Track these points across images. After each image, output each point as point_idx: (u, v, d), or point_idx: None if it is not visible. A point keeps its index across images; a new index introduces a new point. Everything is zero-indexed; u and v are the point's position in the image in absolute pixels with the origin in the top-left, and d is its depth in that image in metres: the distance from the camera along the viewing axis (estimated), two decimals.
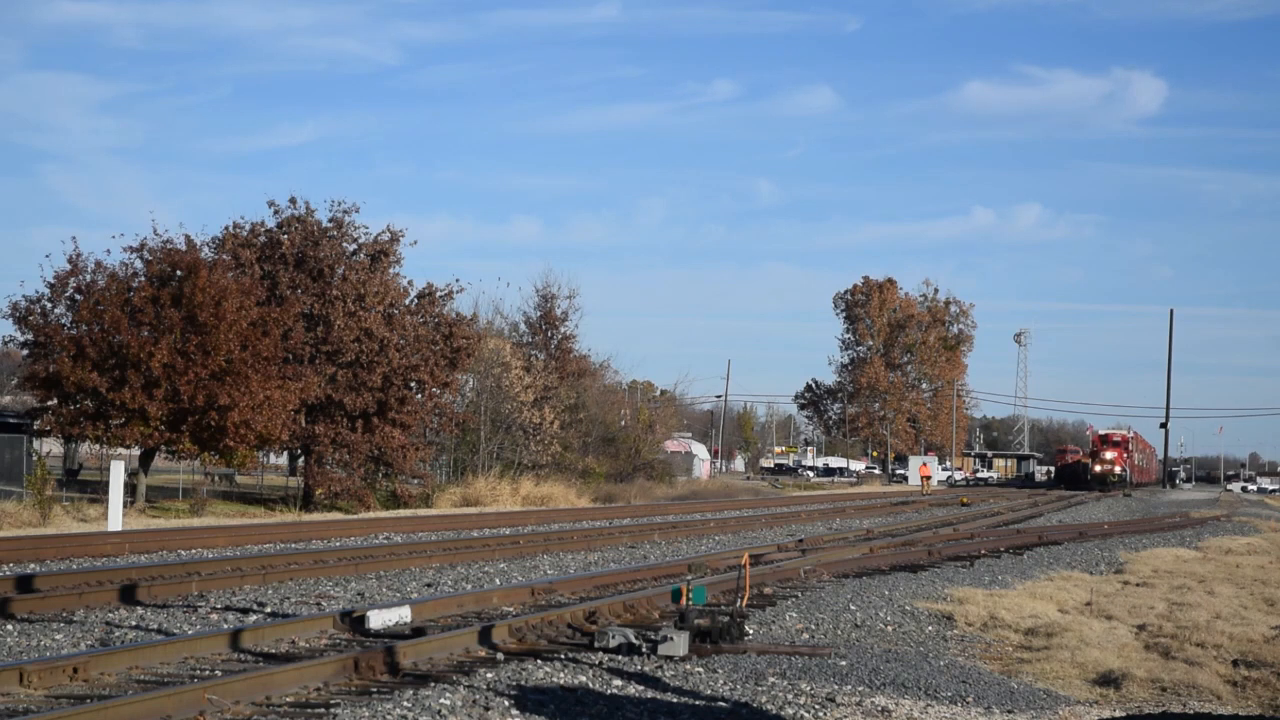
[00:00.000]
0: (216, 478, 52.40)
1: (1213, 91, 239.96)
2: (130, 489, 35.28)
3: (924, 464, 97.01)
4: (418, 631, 14.53)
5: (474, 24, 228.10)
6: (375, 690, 11.32)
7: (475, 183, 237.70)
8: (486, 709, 10.64)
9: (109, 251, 54.97)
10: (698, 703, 11.43)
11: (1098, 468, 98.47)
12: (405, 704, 10.59)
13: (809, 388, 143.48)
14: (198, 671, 12.05)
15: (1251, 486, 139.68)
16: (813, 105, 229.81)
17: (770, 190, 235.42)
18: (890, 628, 17.24)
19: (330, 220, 44.78)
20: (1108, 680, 14.53)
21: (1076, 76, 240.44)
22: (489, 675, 12.01)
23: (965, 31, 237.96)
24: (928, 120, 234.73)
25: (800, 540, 30.47)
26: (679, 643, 13.36)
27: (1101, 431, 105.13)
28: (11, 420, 41.74)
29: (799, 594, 19.20)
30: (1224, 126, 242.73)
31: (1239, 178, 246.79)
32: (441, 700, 10.79)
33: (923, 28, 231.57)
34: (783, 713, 11.26)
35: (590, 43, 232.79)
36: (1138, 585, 23.88)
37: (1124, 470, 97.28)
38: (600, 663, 12.94)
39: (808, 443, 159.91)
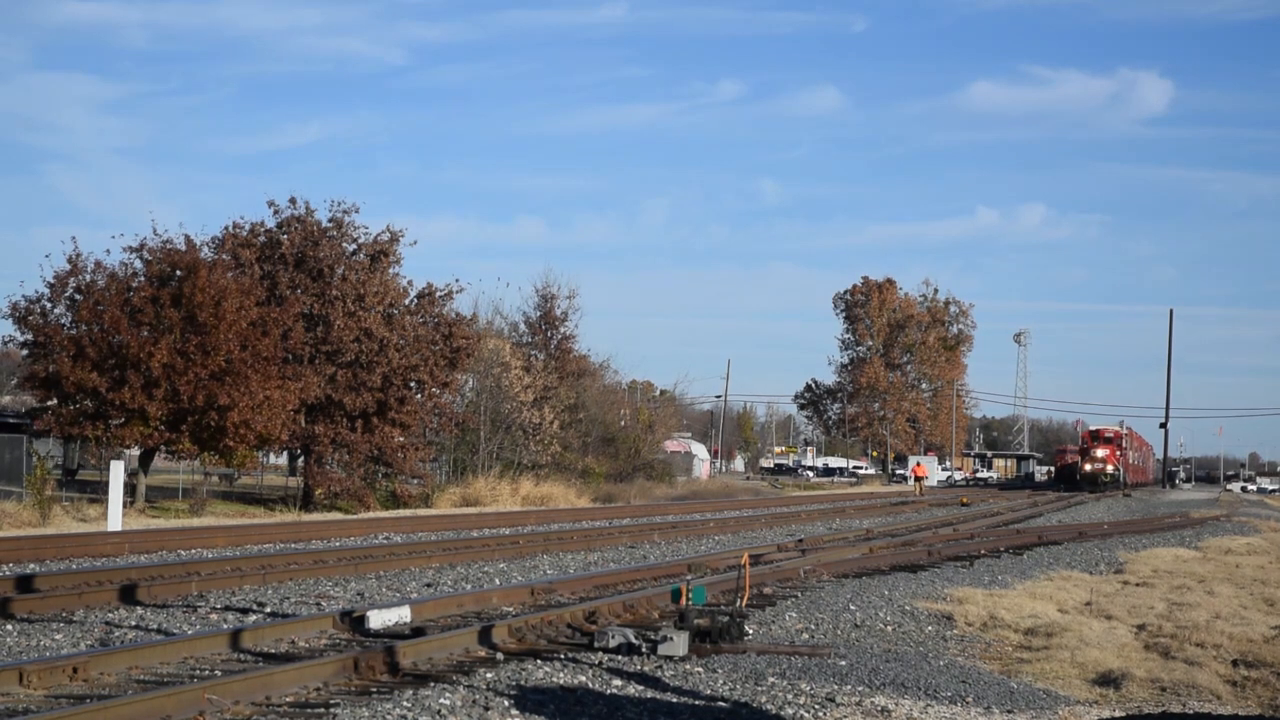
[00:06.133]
0: (216, 478, 52.38)
1: (1219, 92, 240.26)
2: (130, 489, 35.26)
3: (919, 463, 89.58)
4: (417, 631, 14.54)
5: (480, 24, 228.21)
6: (375, 690, 11.33)
7: (480, 183, 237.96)
8: (486, 709, 10.64)
9: (109, 251, 55.02)
10: (698, 703, 11.43)
11: (1088, 466, 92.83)
12: (405, 704, 10.60)
13: (809, 388, 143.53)
14: (198, 671, 12.05)
15: (1251, 486, 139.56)
16: (818, 105, 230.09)
17: (775, 190, 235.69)
18: (890, 628, 17.24)
19: (330, 220, 44.77)
20: (1107, 680, 14.54)
21: (1083, 77, 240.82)
22: (489, 675, 12.01)
23: (972, 32, 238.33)
24: (933, 120, 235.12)
25: (800, 540, 30.46)
26: (679, 643, 13.36)
27: (1092, 428, 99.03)
28: (11, 420, 41.76)
29: (799, 594, 19.20)
30: (1230, 127, 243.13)
31: (1244, 178, 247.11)
32: (441, 700, 10.79)
33: (929, 28, 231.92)
34: (783, 713, 11.27)
35: (596, 43, 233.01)
36: (1137, 585, 23.88)
37: (1117, 469, 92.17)
38: (600, 663, 12.94)
39: (807, 443, 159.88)
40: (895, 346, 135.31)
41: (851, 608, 18.12)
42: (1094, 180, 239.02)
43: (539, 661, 12.86)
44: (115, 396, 35.93)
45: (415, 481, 46.97)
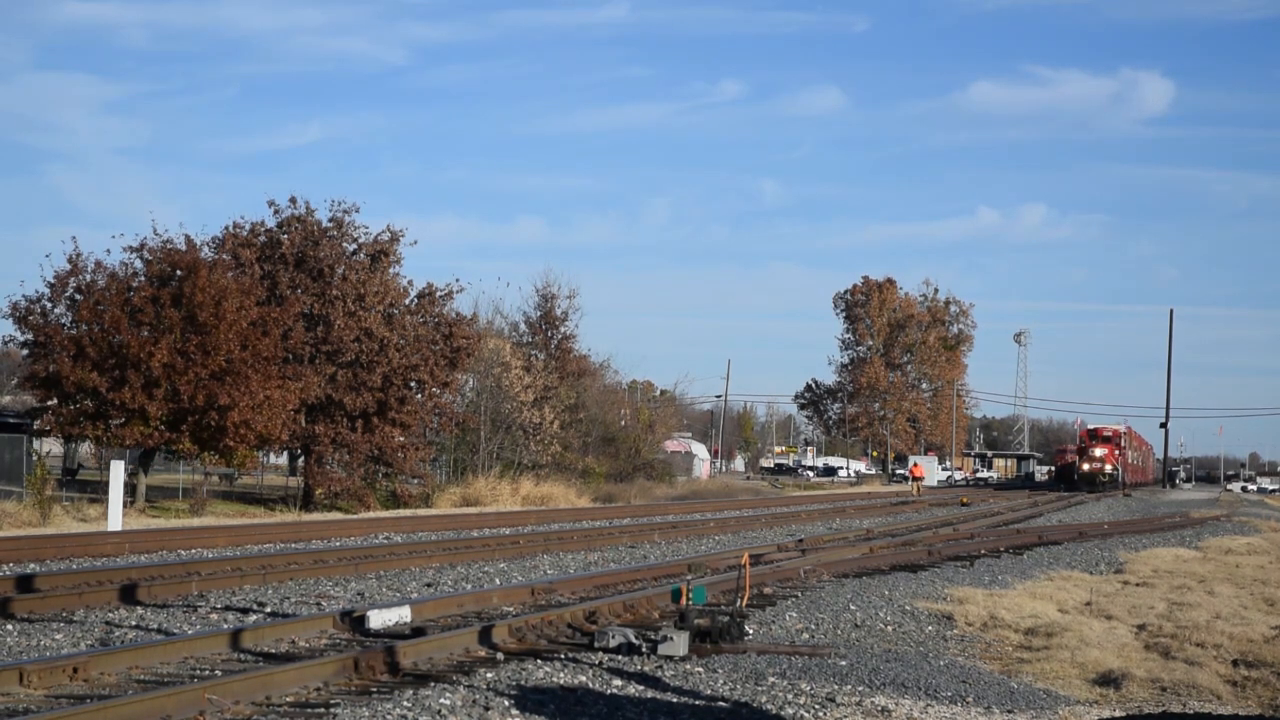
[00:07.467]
0: (216, 478, 52.38)
1: (1221, 92, 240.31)
2: (130, 489, 35.26)
3: (916, 463, 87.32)
4: (418, 631, 14.54)
5: (481, 24, 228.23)
6: (375, 690, 11.33)
7: (481, 183, 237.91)
8: (486, 709, 10.64)
9: (109, 251, 54.98)
10: (698, 703, 11.43)
11: (1086, 465, 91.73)
12: (405, 704, 10.60)
13: (809, 388, 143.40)
14: (198, 671, 12.05)
15: (1251, 486, 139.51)
16: (819, 105, 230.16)
17: (775, 190, 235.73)
18: (890, 628, 17.25)
19: (330, 220, 44.79)
20: (1108, 680, 14.54)
21: (1084, 77, 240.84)
22: (489, 675, 12.01)
23: (973, 32, 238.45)
24: (934, 120, 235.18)
25: (800, 540, 30.46)
26: (679, 643, 13.35)
27: (1090, 426, 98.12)
28: (11, 420, 41.76)
29: (799, 594, 19.19)
30: (1231, 127, 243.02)
31: (1245, 178, 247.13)
32: (441, 700, 10.79)
33: (931, 28, 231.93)
34: (783, 713, 11.26)
35: (598, 43, 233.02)
36: (1138, 585, 23.88)
37: (1115, 468, 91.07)
38: (600, 663, 12.94)
39: (808, 443, 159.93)
40: (895, 346, 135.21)
41: (852, 608, 18.12)
42: (1094, 180, 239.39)
43: (539, 661, 12.86)
44: (115, 396, 35.94)
45: (415, 481, 46.99)
